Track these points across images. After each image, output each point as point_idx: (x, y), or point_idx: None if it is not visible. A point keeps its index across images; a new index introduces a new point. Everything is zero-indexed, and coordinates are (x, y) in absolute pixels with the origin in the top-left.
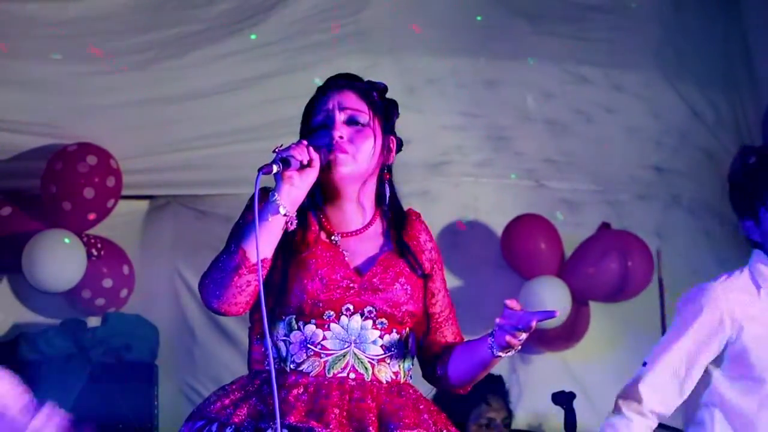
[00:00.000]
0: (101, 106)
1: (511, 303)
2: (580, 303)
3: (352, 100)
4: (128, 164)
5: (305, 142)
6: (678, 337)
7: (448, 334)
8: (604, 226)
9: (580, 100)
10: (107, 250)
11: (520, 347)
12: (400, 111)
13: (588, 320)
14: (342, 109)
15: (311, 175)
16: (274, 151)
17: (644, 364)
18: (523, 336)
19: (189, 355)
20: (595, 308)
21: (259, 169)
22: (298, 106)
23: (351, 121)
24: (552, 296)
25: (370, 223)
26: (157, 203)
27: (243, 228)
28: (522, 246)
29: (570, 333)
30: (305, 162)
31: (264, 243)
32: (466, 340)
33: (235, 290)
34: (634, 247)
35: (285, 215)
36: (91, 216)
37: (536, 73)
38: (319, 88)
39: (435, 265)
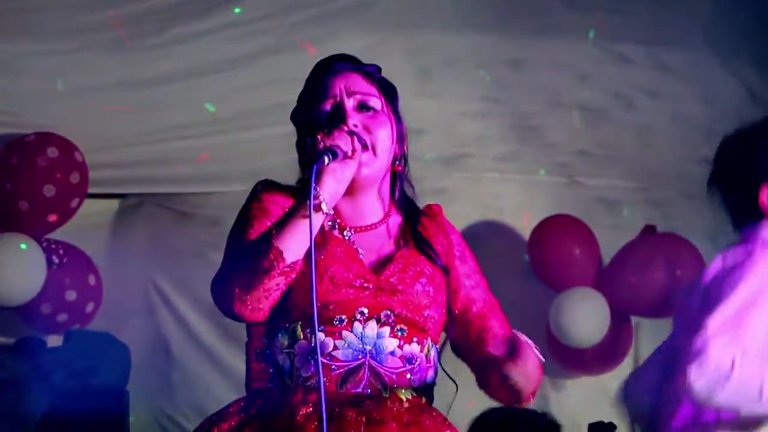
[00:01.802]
0: (64, 90)
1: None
2: (620, 318)
3: (359, 83)
4: (95, 157)
5: (346, 129)
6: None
7: (485, 334)
8: (648, 229)
9: (619, 83)
10: (70, 258)
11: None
12: (412, 97)
13: (630, 338)
14: (350, 93)
15: (353, 167)
16: (315, 138)
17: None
18: None
19: (165, 379)
20: (639, 325)
21: (313, 163)
22: (293, 91)
23: (362, 107)
24: (588, 310)
25: (386, 217)
26: (128, 203)
27: (273, 224)
28: (553, 252)
29: (609, 353)
30: (349, 153)
31: (300, 243)
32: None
33: (263, 294)
34: (682, 252)
35: (327, 213)
36: (52, 217)
37: (569, 52)
38: (313, 74)
39: (456, 258)
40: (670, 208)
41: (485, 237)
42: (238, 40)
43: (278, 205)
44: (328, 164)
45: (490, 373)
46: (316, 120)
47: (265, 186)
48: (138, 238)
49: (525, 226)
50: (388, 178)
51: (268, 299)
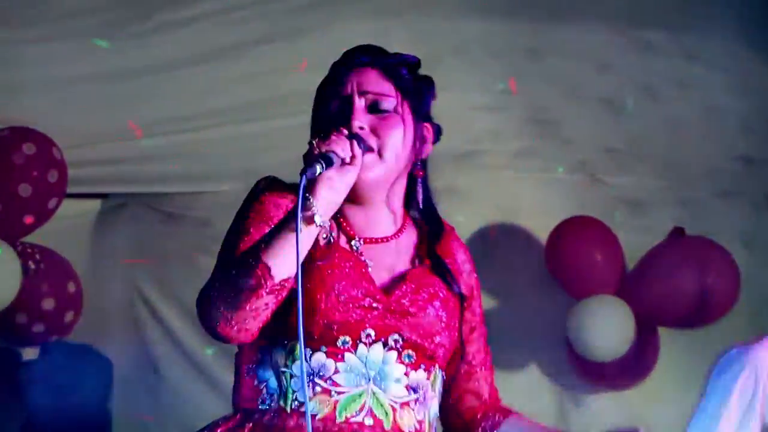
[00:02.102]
0: (41, 81)
1: None
2: (646, 329)
3: (374, 80)
4: (75, 154)
5: (346, 132)
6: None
7: (482, 383)
8: (677, 232)
9: (645, 73)
10: (48, 263)
11: None
12: None
13: (657, 351)
14: (362, 93)
15: (352, 175)
16: (310, 143)
17: None
18: None
19: (152, 396)
20: (666, 336)
21: (302, 172)
22: (288, 81)
23: (374, 108)
24: (610, 321)
25: (399, 231)
26: (111, 203)
27: (262, 236)
28: (572, 257)
29: (634, 367)
30: (347, 159)
31: (292, 260)
32: (505, 404)
33: (250, 313)
34: (714, 257)
35: (321, 225)
36: (28, 219)
37: (590, 38)
38: (334, 65)
39: (474, 293)
40: (701, 208)
41: (499, 240)
42: (231, 27)
43: (281, 208)
44: (320, 174)
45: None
46: (323, 118)
47: (268, 184)
48: (122, 242)
49: (543, 228)
50: (401, 185)
51: (255, 319)
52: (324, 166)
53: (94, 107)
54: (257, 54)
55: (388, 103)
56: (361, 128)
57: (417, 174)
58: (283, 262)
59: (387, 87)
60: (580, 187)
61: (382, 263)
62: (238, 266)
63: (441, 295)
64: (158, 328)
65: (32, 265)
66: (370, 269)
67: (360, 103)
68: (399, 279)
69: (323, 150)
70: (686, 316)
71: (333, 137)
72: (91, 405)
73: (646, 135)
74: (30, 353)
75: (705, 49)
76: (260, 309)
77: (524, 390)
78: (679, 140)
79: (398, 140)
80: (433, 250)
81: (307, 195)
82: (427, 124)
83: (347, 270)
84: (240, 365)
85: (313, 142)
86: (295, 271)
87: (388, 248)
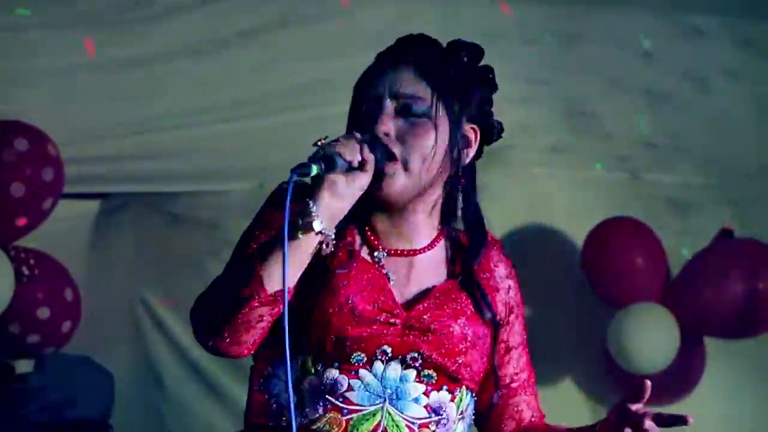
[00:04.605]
0: (34, 70)
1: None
2: (691, 340)
3: (407, 81)
4: (72, 150)
5: (358, 136)
6: None
7: (523, 407)
8: (725, 234)
9: (692, 62)
10: (43, 269)
11: None
12: None
13: (703, 363)
14: (394, 95)
15: (361, 181)
16: (315, 144)
17: None
18: None
19: (155, 413)
20: (713, 347)
21: (293, 169)
22: (303, 71)
23: (404, 112)
24: (653, 331)
25: (431, 245)
26: (111, 204)
27: (260, 244)
28: (612, 261)
29: (678, 381)
30: (355, 163)
31: (288, 271)
32: (546, 422)
33: (243, 326)
34: (765, 261)
35: (321, 233)
36: (21, 221)
37: (632, 23)
38: (378, 56)
39: (512, 312)
40: (751, 209)
41: (532, 243)
42: (241, 12)
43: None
44: (319, 175)
45: None
46: (353, 117)
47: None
48: (123, 246)
49: (579, 231)
50: (435, 195)
51: (249, 332)
52: (323, 168)
53: (93, 99)
54: (270, 41)
55: (420, 107)
56: (386, 134)
57: (458, 182)
58: (278, 273)
59: (421, 88)
60: (619, 185)
61: (407, 277)
62: (233, 275)
63: (467, 312)
64: (162, 339)
65: (26, 271)
66: (391, 283)
67: (389, 106)
68: (423, 294)
69: (328, 152)
70: (735, 325)
71: (342, 139)
72: (91, 422)
73: (693, 129)
74: (24, 366)
75: (757, 35)
76: (253, 321)
77: (558, 405)
78: (728, 135)
79: (427, 148)
80: (470, 266)
81: (308, 199)
82: (472, 126)
83: (364, 282)
84: (253, 380)
85: (319, 142)
86: (293, 281)
87: (415, 262)
